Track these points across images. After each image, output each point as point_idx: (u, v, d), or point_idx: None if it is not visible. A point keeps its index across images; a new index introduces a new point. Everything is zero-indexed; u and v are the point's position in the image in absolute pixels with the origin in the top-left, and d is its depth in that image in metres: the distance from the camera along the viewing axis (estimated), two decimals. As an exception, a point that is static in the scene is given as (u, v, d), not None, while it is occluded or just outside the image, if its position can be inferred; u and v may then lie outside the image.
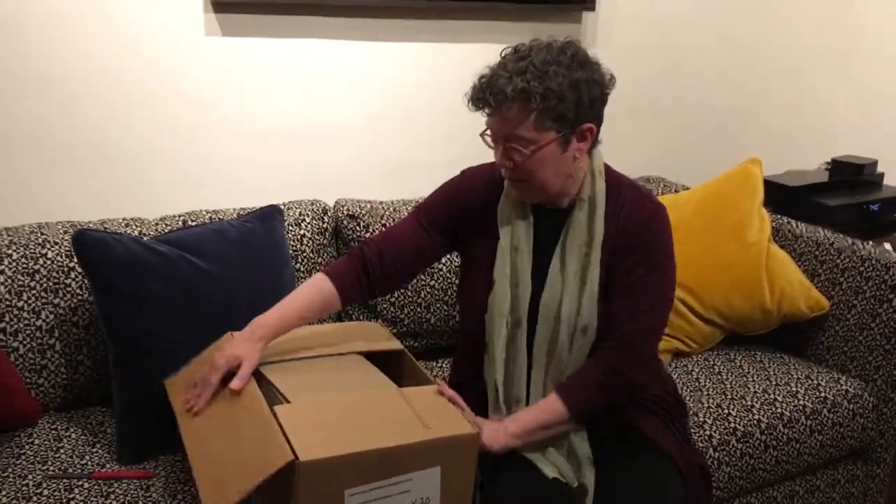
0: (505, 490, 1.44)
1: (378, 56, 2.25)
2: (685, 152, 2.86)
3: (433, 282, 2.07)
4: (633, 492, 1.46)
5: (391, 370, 1.55)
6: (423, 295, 2.07)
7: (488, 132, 1.47)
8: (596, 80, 1.43)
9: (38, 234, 1.76)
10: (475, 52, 2.30)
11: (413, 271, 1.65)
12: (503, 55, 1.45)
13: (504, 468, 1.46)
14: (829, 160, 2.80)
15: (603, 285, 1.51)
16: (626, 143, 2.69)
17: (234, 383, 1.36)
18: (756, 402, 1.93)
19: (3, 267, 1.69)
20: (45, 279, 1.72)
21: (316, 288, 1.54)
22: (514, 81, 1.38)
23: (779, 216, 2.36)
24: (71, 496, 1.45)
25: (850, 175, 2.67)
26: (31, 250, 1.73)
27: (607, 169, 1.57)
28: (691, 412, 1.86)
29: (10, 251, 1.71)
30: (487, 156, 1.54)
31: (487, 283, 1.55)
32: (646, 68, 2.69)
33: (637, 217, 1.52)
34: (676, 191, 2.52)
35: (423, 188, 2.29)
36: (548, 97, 1.38)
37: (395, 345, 1.62)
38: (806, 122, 3.08)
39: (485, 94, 1.41)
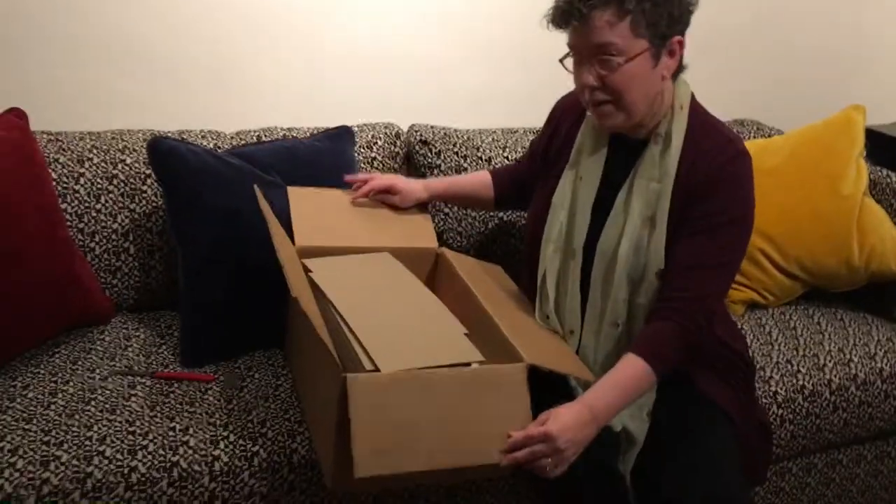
0: None
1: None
2: (785, 95, 2.70)
3: (501, 214, 2.04)
4: (682, 447, 1.41)
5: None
6: (489, 226, 2.04)
7: (570, 55, 1.41)
8: None
9: (119, 140, 1.82)
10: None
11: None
12: None
13: (546, 406, 1.44)
14: (944, 112, 2.59)
15: (671, 229, 1.43)
16: (720, 80, 2.55)
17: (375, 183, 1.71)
18: (829, 361, 1.84)
19: (83, 170, 1.75)
20: (123, 184, 1.78)
21: (481, 179, 1.80)
22: None
23: (878, 168, 2.21)
24: (133, 392, 1.52)
25: (966, 129, 2.47)
26: (112, 156, 1.79)
27: (694, 105, 1.48)
28: (759, 366, 1.79)
29: (91, 155, 1.77)
30: (565, 87, 1.48)
31: (546, 207, 1.52)
32: (747, 2, 2.52)
33: (715, 161, 1.42)
34: (770, 135, 2.38)
35: (500, 118, 2.26)
36: (642, 3, 1.32)
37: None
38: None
39: (572, 3, 1.34)
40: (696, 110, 1.48)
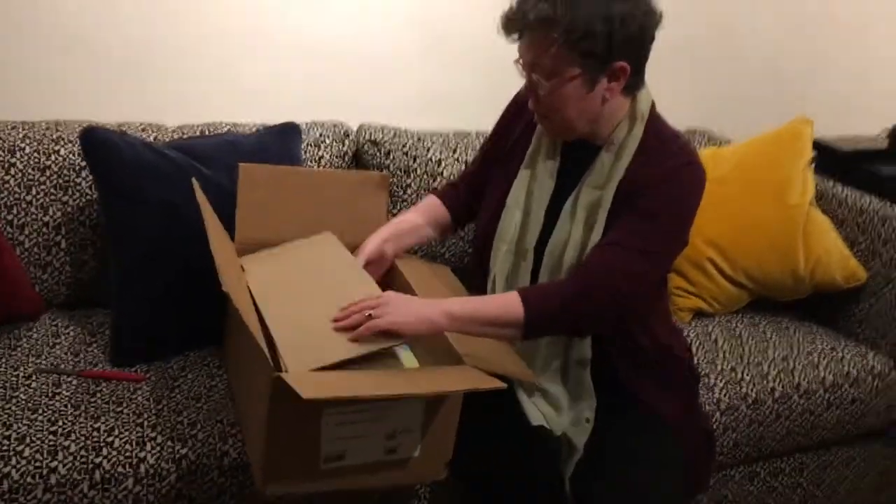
0: (484, 436, 1.40)
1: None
2: (736, 107, 2.71)
3: (450, 216, 2.01)
4: (621, 457, 1.40)
5: None
6: (439, 228, 2.01)
7: (521, 59, 1.39)
8: (637, 15, 1.31)
9: (54, 131, 1.76)
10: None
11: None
12: None
13: (489, 408, 1.41)
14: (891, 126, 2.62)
15: (608, 230, 1.41)
16: (671, 90, 2.54)
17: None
18: (773, 370, 1.85)
19: (14, 160, 1.69)
20: (55, 176, 1.71)
21: (433, 206, 1.67)
22: (538, 7, 1.29)
23: (825, 179, 2.23)
24: (57, 391, 1.46)
25: (912, 144, 2.50)
26: (45, 146, 1.72)
27: (654, 117, 1.45)
28: (703, 374, 1.79)
29: (23, 145, 1.71)
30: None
31: (500, 207, 1.50)
32: (702, 12, 2.54)
33: (663, 165, 1.40)
34: (720, 145, 2.40)
35: (453, 121, 2.24)
36: (573, 29, 1.28)
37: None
38: (871, 87, 2.90)
39: (512, 16, 1.34)
40: (655, 122, 1.46)
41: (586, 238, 1.42)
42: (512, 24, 1.34)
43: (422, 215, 1.65)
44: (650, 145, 1.42)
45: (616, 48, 1.31)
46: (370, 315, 1.27)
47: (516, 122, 1.58)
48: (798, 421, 1.83)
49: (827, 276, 2.04)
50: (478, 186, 1.65)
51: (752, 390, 1.79)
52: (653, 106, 1.46)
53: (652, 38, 1.37)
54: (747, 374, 1.82)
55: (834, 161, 2.38)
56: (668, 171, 1.39)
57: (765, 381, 1.81)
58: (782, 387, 1.81)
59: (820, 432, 1.87)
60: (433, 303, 1.33)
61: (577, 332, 1.42)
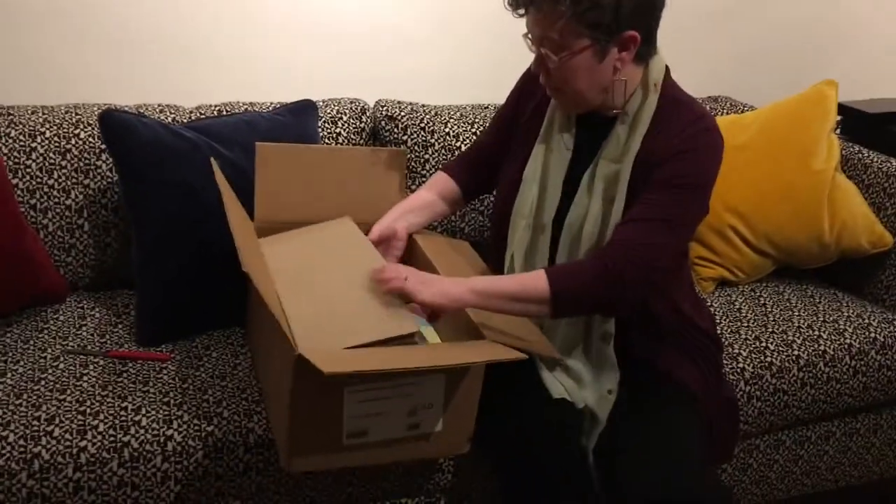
0: (506, 410, 1.40)
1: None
2: (760, 71, 2.67)
3: (470, 189, 2.00)
4: (644, 428, 1.39)
5: None
6: (458, 202, 2.00)
7: (529, 34, 1.37)
8: None
9: (73, 114, 1.77)
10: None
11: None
12: None
13: (510, 383, 1.42)
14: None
15: (630, 203, 1.40)
16: (694, 56, 2.52)
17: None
18: (798, 338, 1.83)
19: (35, 144, 1.70)
20: (76, 159, 1.73)
21: (445, 182, 1.66)
22: None
23: (850, 144, 2.19)
24: (85, 371, 1.48)
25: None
26: (65, 130, 1.73)
27: (668, 84, 1.44)
28: (726, 343, 1.78)
29: (43, 129, 1.72)
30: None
31: (517, 182, 1.49)
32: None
33: (680, 134, 1.38)
34: (743, 111, 2.36)
35: (468, 95, 2.22)
36: (580, 1, 1.26)
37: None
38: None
39: None
40: (669, 89, 1.44)
41: (607, 211, 1.41)
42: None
43: (432, 192, 1.66)
44: (665, 114, 1.40)
45: (624, 18, 1.29)
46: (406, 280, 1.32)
47: (529, 97, 1.57)
48: (824, 389, 1.81)
49: (853, 242, 2.01)
50: (490, 157, 1.65)
51: (776, 359, 1.77)
52: (667, 72, 1.44)
53: (662, 5, 1.35)
54: (772, 343, 1.80)
55: (860, 124, 2.34)
56: (685, 139, 1.38)
57: (790, 350, 1.79)
58: (807, 355, 1.80)
59: (846, 400, 1.85)
60: (459, 281, 1.34)
61: (605, 310, 1.41)
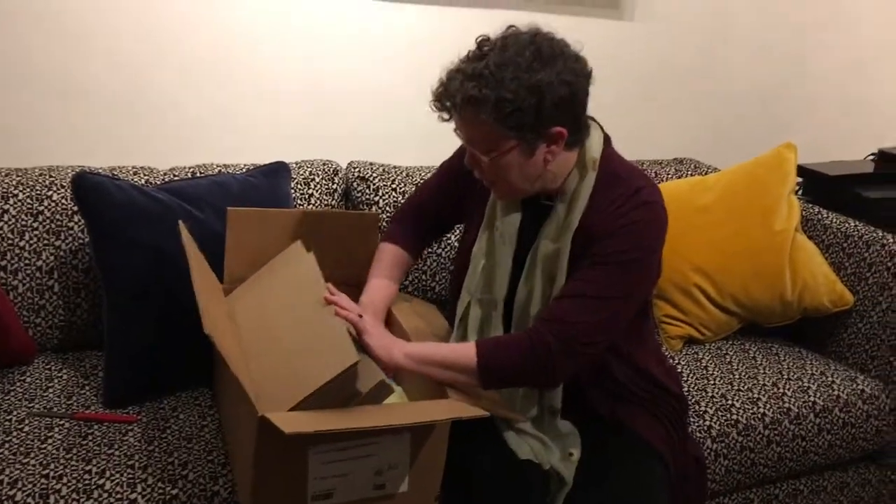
0: (473, 470, 1.40)
1: (404, 18, 2.21)
2: (724, 136, 2.76)
3: (440, 250, 2.04)
4: (608, 488, 1.40)
5: None
6: (428, 262, 2.03)
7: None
8: (565, 79, 1.29)
9: (47, 177, 1.78)
10: (507, 18, 2.23)
11: (441, 228, 1.73)
12: (469, 51, 1.34)
13: (475, 445, 1.42)
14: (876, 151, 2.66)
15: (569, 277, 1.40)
16: (662, 119, 2.61)
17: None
18: (763, 395, 1.85)
19: (7, 206, 1.71)
20: (48, 221, 1.74)
21: (394, 254, 1.64)
22: (465, 87, 1.28)
23: (809, 205, 2.25)
24: (50, 434, 1.47)
25: (897, 167, 2.53)
26: (38, 191, 1.75)
27: (607, 159, 1.43)
28: (693, 401, 1.80)
29: (16, 191, 1.73)
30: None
31: (467, 261, 1.52)
32: (687, 43, 2.59)
33: (618, 210, 1.38)
34: (707, 173, 2.42)
35: (443, 156, 2.27)
36: (500, 106, 1.27)
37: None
38: (858, 112, 2.94)
39: (440, 98, 1.34)
40: (609, 164, 1.43)
41: (548, 290, 1.42)
42: (441, 105, 1.35)
43: (388, 275, 1.63)
44: (603, 191, 1.40)
45: (547, 116, 1.30)
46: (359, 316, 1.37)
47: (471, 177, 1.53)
48: (790, 446, 1.83)
49: (815, 301, 2.06)
50: (437, 215, 1.67)
51: (742, 416, 1.80)
52: (607, 144, 1.45)
53: (586, 95, 1.35)
54: (737, 401, 1.83)
55: (819, 186, 2.41)
56: (621, 215, 1.38)
57: (755, 407, 1.82)
58: (773, 412, 1.82)
59: (812, 457, 1.87)
60: (399, 343, 1.39)
61: (534, 384, 1.44)
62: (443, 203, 1.66)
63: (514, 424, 1.45)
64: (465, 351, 1.37)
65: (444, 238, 2.03)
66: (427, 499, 1.38)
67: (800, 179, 2.36)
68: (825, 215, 2.19)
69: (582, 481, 1.40)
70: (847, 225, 2.12)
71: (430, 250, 2.02)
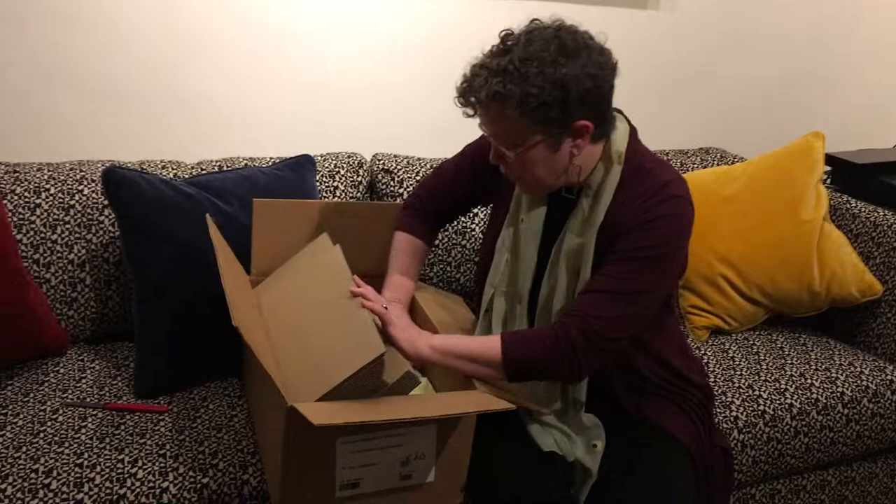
0: (498, 461, 1.41)
1: (428, 8, 2.21)
2: (751, 125, 2.73)
3: (464, 241, 2.04)
4: (634, 479, 1.39)
5: None
6: (453, 254, 2.04)
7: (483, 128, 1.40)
8: (590, 73, 1.28)
9: (77, 171, 1.81)
10: (530, 9, 2.23)
11: (455, 214, 1.73)
12: (492, 46, 1.34)
13: (500, 436, 1.43)
14: (905, 139, 2.63)
15: (594, 273, 1.40)
16: (687, 109, 2.59)
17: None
18: (790, 386, 1.84)
19: (40, 200, 1.75)
20: (79, 215, 1.77)
21: (411, 245, 1.65)
22: (489, 84, 1.28)
23: (838, 194, 2.23)
24: (83, 424, 1.50)
25: (927, 156, 2.50)
26: (69, 186, 1.78)
27: (633, 151, 1.42)
28: (720, 391, 1.79)
29: (48, 186, 1.77)
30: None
31: (492, 253, 1.52)
32: (713, 33, 2.56)
33: (643, 204, 1.37)
34: (733, 163, 2.40)
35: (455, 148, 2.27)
36: (526, 101, 1.27)
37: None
38: (886, 99, 2.90)
39: (464, 94, 1.34)
40: (635, 156, 1.42)
41: (573, 285, 1.42)
42: (466, 100, 1.35)
43: (407, 269, 1.64)
44: (628, 184, 1.40)
45: (573, 109, 1.29)
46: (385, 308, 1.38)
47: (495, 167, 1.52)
48: (817, 437, 1.82)
49: (843, 291, 2.04)
50: (451, 200, 1.68)
51: (769, 407, 1.79)
52: (633, 137, 1.44)
53: (611, 88, 1.34)
54: (764, 391, 1.82)
55: (847, 175, 2.39)
56: (647, 209, 1.37)
57: (783, 398, 1.81)
58: (800, 403, 1.81)
59: (840, 448, 1.86)
60: (424, 335, 1.39)
61: (558, 378, 1.43)
62: (458, 190, 1.66)
63: (537, 417, 1.46)
64: (490, 344, 1.37)
65: (470, 230, 2.04)
66: (453, 489, 1.39)
67: (828, 168, 2.34)
68: (854, 204, 2.17)
69: (608, 475, 1.40)
70: (876, 214, 2.10)
71: (454, 242, 2.03)
